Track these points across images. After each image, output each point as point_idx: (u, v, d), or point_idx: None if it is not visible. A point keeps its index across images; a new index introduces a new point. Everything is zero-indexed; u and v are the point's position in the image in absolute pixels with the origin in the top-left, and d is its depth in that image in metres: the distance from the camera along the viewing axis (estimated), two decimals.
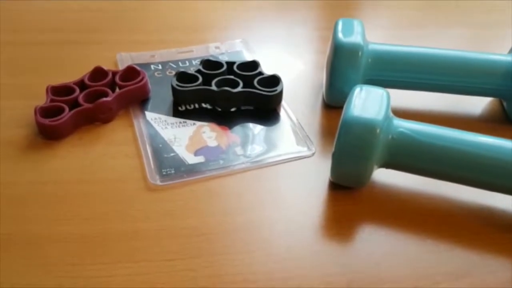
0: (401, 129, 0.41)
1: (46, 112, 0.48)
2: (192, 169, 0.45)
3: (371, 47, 0.50)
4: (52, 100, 0.50)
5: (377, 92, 0.42)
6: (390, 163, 0.42)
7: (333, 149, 0.41)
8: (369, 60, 0.50)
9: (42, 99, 0.50)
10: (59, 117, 0.48)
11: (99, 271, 0.37)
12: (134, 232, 0.40)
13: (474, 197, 0.44)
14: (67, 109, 0.48)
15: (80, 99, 0.50)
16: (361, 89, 0.42)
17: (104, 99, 0.49)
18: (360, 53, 0.48)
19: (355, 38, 0.49)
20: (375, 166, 0.41)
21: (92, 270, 0.37)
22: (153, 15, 0.70)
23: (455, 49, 0.52)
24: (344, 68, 0.49)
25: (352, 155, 0.40)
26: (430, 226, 0.41)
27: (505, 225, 0.42)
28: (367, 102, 0.41)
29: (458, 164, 0.41)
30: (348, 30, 0.50)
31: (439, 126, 0.42)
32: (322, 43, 0.65)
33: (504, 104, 0.54)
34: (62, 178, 0.44)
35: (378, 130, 0.39)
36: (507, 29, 0.69)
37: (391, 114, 0.42)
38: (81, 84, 0.52)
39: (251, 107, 0.53)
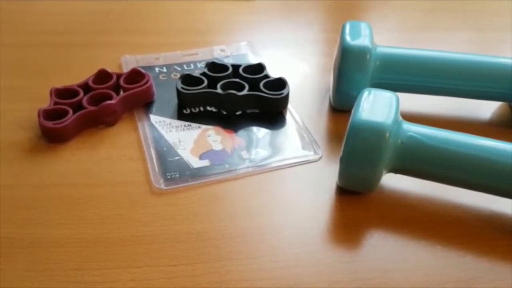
0: (410, 133, 0.40)
1: (49, 114, 0.48)
2: (197, 173, 0.45)
3: (379, 50, 0.50)
4: (55, 103, 0.49)
5: (386, 96, 0.41)
6: (399, 168, 0.41)
7: (341, 154, 0.40)
8: (377, 63, 0.49)
9: (45, 102, 0.50)
10: (62, 120, 0.47)
11: (102, 276, 0.36)
12: (138, 237, 0.39)
13: (484, 203, 0.43)
14: (71, 112, 0.48)
15: (84, 102, 0.49)
16: (369, 93, 0.41)
17: (108, 102, 0.49)
18: (368, 56, 0.48)
19: (363, 40, 0.48)
20: (384, 171, 0.41)
21: (95, 275, 0.36)
22: (158, 17, 0.70)
23: (463, 52, 0.51)
24: (351, 71, 0.48)
25: (360, 159, 0.39)
26: (440, 232, 0.40)
27: None
28: (375, 106, 0.40)
29: (468, 169, 0.40)
30: (356, 33, 0.49)
31: (449, 131, 0.41)
32: (328, 46, 0.64)
33: None
34: (66, 182, 0.44)
35: (387, 134, 0.38)
36: None
37: (400, 118, 0.41)
38: (85, 87, 0.52)
39: (256, 111, 0.52)
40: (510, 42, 0.66)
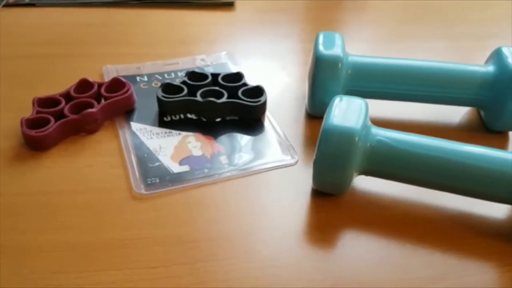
0: (379, 137, 0.42)
1: (32, 123, 0.49)
2: (177, 178, 0.46)
3: (351, 59, 0.52)
4: (38, 112, 0.50)
5: (356, 102, 0.43)
6: (369, 171, 0.43)
7: (314, 157, 0.42)
8: (349, 71, 0.51)
9: (28, 111, 0.51)
10: (45, 128, 0.48)
11: (84, 279, 0.37)
12: (119, 241, 0.40)
13: (453, 203, 0.45)
14: (53, 120, 0.49)
15: (66, 111, 0.50)
16: (340, 99, 0.43)
17: (90, 110, 0.50)
18: (340, 65, 0.50)
19: (335, 50, 0.50)
20: (355, 174, 0.42)
21: (77, 278, 0.37)
22: (139, 28, 0.71)
23: (432, 60, 0.53)
24: (324, 79, 0.50)
25: (331, 162, 0.41)
26: (409, 232, 0.42)
27: (484, 230, 0.42)
28: (346, 112, 0.42)
29: (435, 171, 0.42)
30: (329, 43, 0.51)
31: (417, 134, 0.43)
32: (306, 55, 0.66)
33: (481, 113, 0.55)
34: (48, 189, 0.45)
35: (356, 138, 0.40)
36: (486, 41, 0.71)
37: (369, 123, 0.43)
38: (67, 96, 0.53)
39: (235, 118, 0.54)
40: (482, 50, 0.68)
